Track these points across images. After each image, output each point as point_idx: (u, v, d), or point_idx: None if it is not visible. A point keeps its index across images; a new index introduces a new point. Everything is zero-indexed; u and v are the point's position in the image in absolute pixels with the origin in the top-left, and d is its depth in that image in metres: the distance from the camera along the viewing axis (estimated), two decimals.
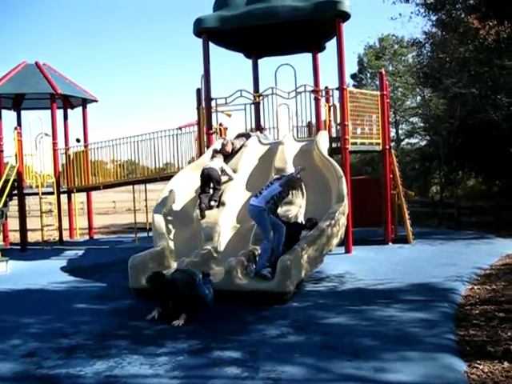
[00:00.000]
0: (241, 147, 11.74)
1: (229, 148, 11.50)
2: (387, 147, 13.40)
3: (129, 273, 8.34)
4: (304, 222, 9.03)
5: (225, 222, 9.72)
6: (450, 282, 8.34)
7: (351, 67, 34.65)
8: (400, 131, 31.83)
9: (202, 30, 12.49)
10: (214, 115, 13.14)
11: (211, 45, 13.06)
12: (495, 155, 20.06)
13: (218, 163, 10.69)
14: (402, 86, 29.44)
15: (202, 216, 9.84)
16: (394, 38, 31.60)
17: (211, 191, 10.32)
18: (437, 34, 17.22)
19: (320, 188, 10.19)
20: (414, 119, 30.44)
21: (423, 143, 30.12)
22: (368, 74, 33.88)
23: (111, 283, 9.47)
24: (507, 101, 6.06)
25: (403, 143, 32.41)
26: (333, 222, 8.76)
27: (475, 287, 8.09)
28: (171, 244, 9.45)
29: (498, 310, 6.47)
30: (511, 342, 5.23)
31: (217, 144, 11.90)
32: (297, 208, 8.92)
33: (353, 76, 34.71)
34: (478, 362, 4.79)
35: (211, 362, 5.20)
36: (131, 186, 16.63)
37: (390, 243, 13.31)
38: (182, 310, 6.73)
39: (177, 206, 10.64)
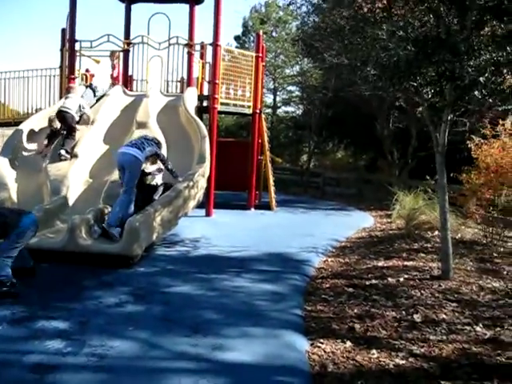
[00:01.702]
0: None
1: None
2: (257, 111, 13.14)
3: None
4: (159, 184, 8.46)
5: (76, 176, 8.90)
6: (305, 252, 8.25)
7: (235, 29, 34.14)
8: (277, 98, 31.98)
9: None
10: (81, 60, 12.03)
11: None
12: (363, 130, 20.65)
13: (74, 103, 9.79)
14: (284, 53, 29.43)
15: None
16: (280, 4, 31.43)
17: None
18: None
19: (183, 147, 9.66)
20: (292, 88, 30.69)
21: (299, 112, 30.52)
22: (251, 38, 33.47)
23: None
24: (374, 73, 5.98)
25: (280, 111, 32.65)
26: (191, 183, 8.32)
27: (329, 259, 8.06)
28: (13, 195, 8.51)
29: (347, 284, 6.41)
30: (356, 319, 5.11)
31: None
32: (154, 167, 8.35)
33: (236, 38, 34.16)
34: (321, 340, 4.60)
35: (32, 333, 4.56)
36: None
37: (253, 209, 13.20)
38: None
39: (25, 153, 9.62)
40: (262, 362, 4.14)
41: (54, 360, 4.02)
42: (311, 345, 4.56)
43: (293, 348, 4.44)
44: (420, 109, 7.37)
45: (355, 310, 5.47)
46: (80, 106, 9.81)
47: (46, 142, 9.71)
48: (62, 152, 9.27)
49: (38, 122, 10.22)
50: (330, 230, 10.78)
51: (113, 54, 12.17)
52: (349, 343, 4.55)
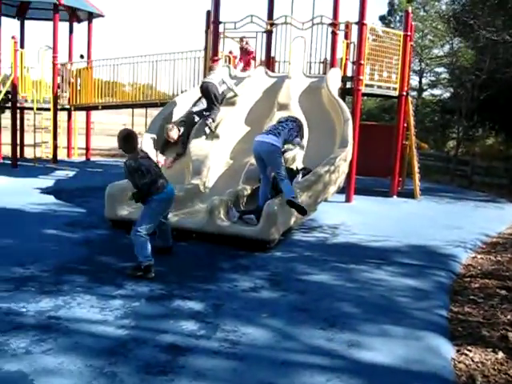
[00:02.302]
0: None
1: (173, 135, 9.56)
2: (404, 93, 12.42)
3: (105, 202, 7.70)
4: (299, 169, 8.21)
5: (217, 157, 8.97)
6: (451, 247, 7.61)
7: (380, 8, 32.92)
8: (423, 80, 30.44)
9: None
10: (224, 42, 12.19)
11: None
12: None
13: (219, 75, 9.95)
14: (432, 32, 27.84)
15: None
16: None
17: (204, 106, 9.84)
18: None
19: (324, 130, 9.36)
20: (440, 69, 29.01)
21: (446, 95, 28.81)
22: (397, 17, 32.12)
23: (90, 209, 8.89)
24: None
25: (426, 93, 31.05)
26: (332, 168, 8.01)
27: (478, 256, 7.37)
28: None
29: (500, 286, 5.77)
30: (510, 327, 4.55)
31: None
32: (295, 150, 8.10)
33: (382, 18, 32.96)
34: (469, 347, 4.13)
35: (168, 312, 4.61)
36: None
37: (395, 196, 12.57)
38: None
39: None
40: (401, 365, 3.79)
41: (187, 342, 4.00)
42: (457, 351, 4.12)
43: (436, 353, 4.02)
44: None
45: (508, 316, 4.89)
46: (222, 80, 9.93)
47: (159, 152, 9.45)
48: (208, 122, 9.52)
49: (180, 104, 10.47)
50: (479, 223, 9.92)
51: (241, 39, 12.17)
52: (501, 354, 4.04)
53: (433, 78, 30.25)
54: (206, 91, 9.71)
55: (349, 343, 4.09)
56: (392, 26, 31.90)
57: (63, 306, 4.62)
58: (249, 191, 7.98)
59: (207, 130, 9.48)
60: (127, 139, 5.67)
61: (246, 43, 12.28)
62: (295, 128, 7.49)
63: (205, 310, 4.68)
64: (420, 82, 30.17)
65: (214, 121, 9.57)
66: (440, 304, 5.16)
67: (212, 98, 9.67)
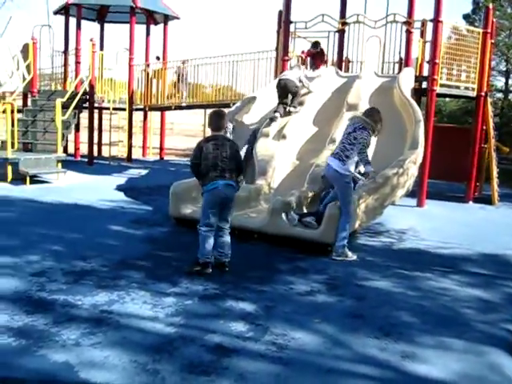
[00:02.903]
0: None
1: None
2: (483, 94, 11.82)
3: (170, 200, 7.78)
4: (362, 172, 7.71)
5: (282, 157, 8.87)
6: None
7: (465, 7, 31.71)
8: (510, 82, 28.98)
9: None
10: (295, 41, 12.08)
11: None
12: None
13: (295, 73, 9.96)
14: None
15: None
16: None
17: (289, 102, 9.83)
18: None
19: (394, 131, 9.01)
20: None
21: None
22: (482, 16, 30.78)
23: (157, 207, 9.01)
24: None
25: None
26: (401, 170, 7.71)
27: None
28: None
29: None
30: None
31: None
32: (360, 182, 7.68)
33: (465, 16, 31.70)
34: None
35: (220, 312, 4.55)
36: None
37: (471, 202, 11.98)
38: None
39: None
40: (457, 381, 3.52)
41: (234, 343, 3.92)
42: None
43: (498, 371, 3.72)
44: None
45: None
46: (299, 78, 9.91)
47: None
48: (291, 109, 9.70)
49: (261, 100, 10.63)
50: None
51: (316, 43, 11.97)
52: None
53: None
54: (284, 87, 9.69)
55: (403, 354, 3.86)
56: (476, 24, 30.63)
57: (117, 300, 4.66)
58: (313, 193, 7.81)
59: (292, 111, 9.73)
60: (219, 116, 5.83)
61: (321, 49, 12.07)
62: (366, 138, 6.50)
63: (256, 312, 4.58)
64: (506, 83, 28.80)
65: (296, 107, 9.80)
66: (508, 318, 4.79)
67: (293, 94, 9.80)
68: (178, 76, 16.01)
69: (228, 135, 8.81)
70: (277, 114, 9.63)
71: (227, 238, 5.78)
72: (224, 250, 5.74)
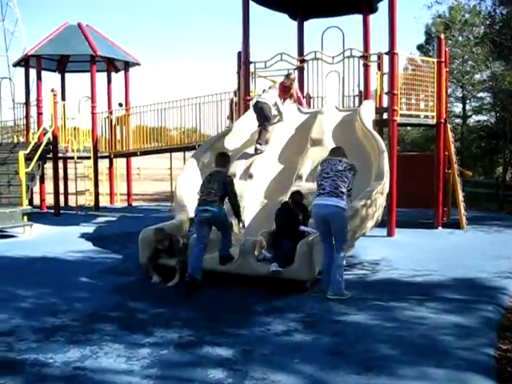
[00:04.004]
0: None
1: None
2: (442, 121, 12.10)
3: (139, 247, 7.66)
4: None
5: (251, 197, 8.85)
6: (499, 279, 7.19)
7: (417, 37, 32.71)
8: (467, 107, 29.81)
9: None
10: (255, 81, 12.19)
11: (255, 6, 12.16)
12: None
13: (272, 97, 10.08)
14: (472, 58, 27.37)
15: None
16: (466, 7, 29.36)
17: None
18: None
19: (360, 163, 9.04)
20: (483, 94, 28.36)
21: (492, 120, 28.11)
22: (435, 45, 31.72)
23: (127, 255, 8.86)
24: None
25: (471, 120, 30.35)
26: (369, 201, 7.77)
27: None
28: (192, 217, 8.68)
29: None
30: None
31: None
32: None
33: (419, 47, 32.68)
34: None
35: (196, 359, 4.43)
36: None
37: (440, 227, 12.12)
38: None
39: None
40: None
41: None
42: None
43: None
44: None
45: None
46: (275, 102, 10.06)
47: None
48: (258, 146, 9.68)
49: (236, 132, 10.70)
50: None
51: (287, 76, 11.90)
52: None
53: (476, 104, 29.61)
54: (261, 111, 9.84)
55: None
56: (431, 54, 31.54)
57: (90, 355, 4.52)
58: None
59: (258, 152, 9.68)
60: (225, 156, 7.22)
61: (291, 82, 11.15)
62: (351, 181, 6.48)
63: (234, 357, 4.48)
64: (464, 108, 29.59)
65: (261, 145, 9.72)
66: (486, 342, 4.79)
67: (263, 119, 9.87)
68: None
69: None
70: (258, 146, 9.77)
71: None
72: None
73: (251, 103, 10.21)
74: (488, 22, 19.72)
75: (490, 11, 16.54)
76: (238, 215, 7.12)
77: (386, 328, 5.17)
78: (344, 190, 6.31)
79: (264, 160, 9.62)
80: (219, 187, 6.69)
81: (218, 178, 6.78)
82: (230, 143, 10.51)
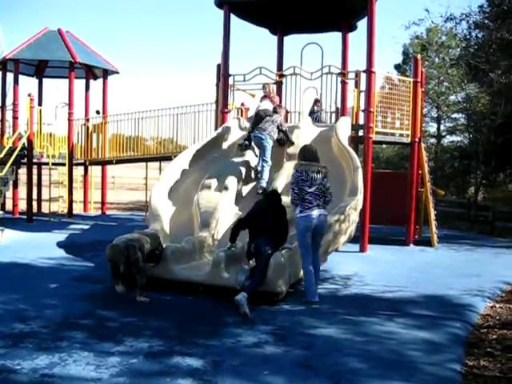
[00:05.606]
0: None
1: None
2: (417, 140, 12.32)
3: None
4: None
5: (226, 209, 8.86)
6: (468, 296, 7.31)
7: (395, 57, 33.27)
8: (442, 127, 30.35)
9: (223, 0, 11.56)
10: (235, 94, 12.26)
11: (237, 20, 12.35)
12: None
13: (268, 105, 10.24)
14: (448, 79, 27.92)
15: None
16: (443, 29, 29.97)
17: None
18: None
19: (335, 179, 9.13)
20: (457, 115, 28.92)
21: (466, 141, 28.66)
22: (412, 66, 32.23)
23: (99, 264, 8.76)
24: None
25: (445, 141, 30.89)
26: (342, 217, 7.85)
27: (497, 305, 7.05)
28: (166, 227, 8.66)
29: None
30: None
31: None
32: None
33: (397, 66, 33.21)
34: None
35: (165, 369, 4.43)
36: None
37: (412, 245, 12.29)
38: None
39: (179, 186, 9.87)
40: None
41: None
42: None
43: None
44: None
45: None
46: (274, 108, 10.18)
47: None
48: (260, 185, 9.45)
49: (190, 156, 10.54)
50: (499, 270, 9.53)
51: (265, 86, 11.75)
52: None
53: (450, 125, 30.16)
54: (265, 115, 9.88)
55: None
56: (408, 73, 31.98)
57: (59, 363, 4.49)
58: None
59: (259, 191, 9.31)
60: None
61: (269, 91, 10.96)
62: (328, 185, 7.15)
63: (204, 367, 4.48)
64: (438, 128, 30.11)
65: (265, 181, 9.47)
66: (454, 357, 4.88)
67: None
68: None
69: None
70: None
71: None
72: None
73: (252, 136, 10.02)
74: (464, 45, 20.11)
75: (466, 34, 16.86)
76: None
77: (356, 342, 5.23)
78: (326, 198, 6.95)
79: (240, 172, 9.66)
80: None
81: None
82: (209, 153, 10.54)
